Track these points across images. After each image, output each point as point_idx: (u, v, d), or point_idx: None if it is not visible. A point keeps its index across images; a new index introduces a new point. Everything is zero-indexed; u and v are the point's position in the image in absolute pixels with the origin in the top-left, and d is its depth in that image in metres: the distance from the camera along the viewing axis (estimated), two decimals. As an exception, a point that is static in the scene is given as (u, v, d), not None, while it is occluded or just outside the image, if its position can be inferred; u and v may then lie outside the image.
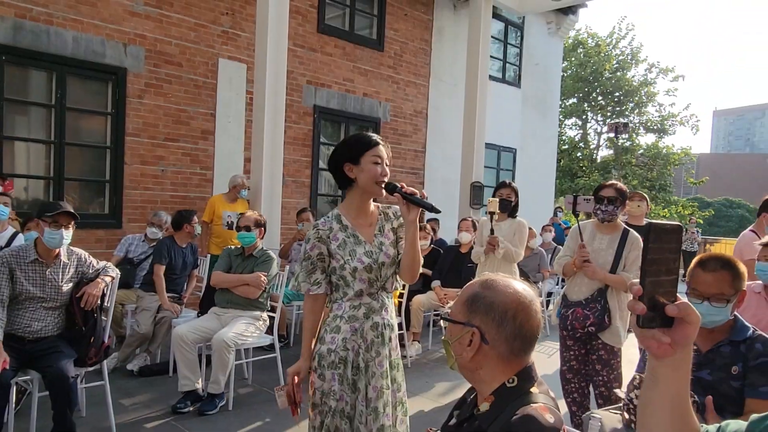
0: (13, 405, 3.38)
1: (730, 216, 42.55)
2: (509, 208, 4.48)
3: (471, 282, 1.42)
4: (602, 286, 3.37)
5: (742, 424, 1.00)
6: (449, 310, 1.41)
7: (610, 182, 3.54)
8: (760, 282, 2.97)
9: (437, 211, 2.14)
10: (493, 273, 1.43)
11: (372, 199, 2.28)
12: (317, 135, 8.27)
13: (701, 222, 22.35)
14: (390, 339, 2.26)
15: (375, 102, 9.00)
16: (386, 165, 2.22)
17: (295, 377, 2.21)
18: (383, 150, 2.21)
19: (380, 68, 9.06)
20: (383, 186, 2.19)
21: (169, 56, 6.66)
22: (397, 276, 2.31)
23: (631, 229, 3.46)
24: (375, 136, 2.24)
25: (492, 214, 4.31)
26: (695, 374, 2.17)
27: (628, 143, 22.52)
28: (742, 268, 2.17)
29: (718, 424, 1.03)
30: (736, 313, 2.21)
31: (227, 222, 5.99)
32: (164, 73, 6.62)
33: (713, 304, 2.11)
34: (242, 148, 7.29)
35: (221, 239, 6.03)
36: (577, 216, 4.07)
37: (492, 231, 4.32)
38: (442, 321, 1.39)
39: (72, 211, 3.24)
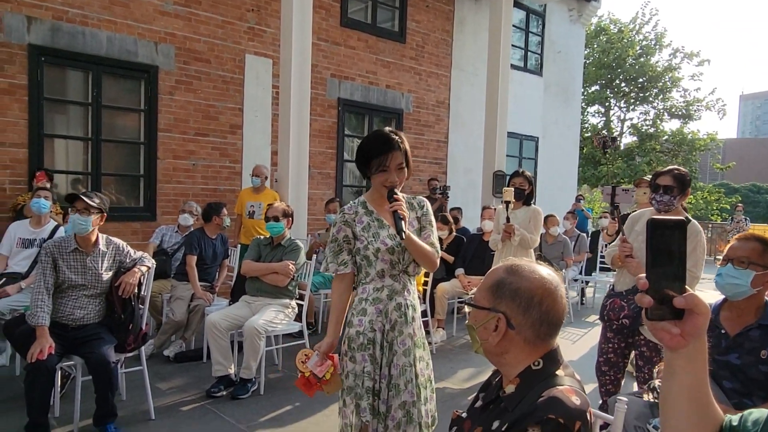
0: (59, 389, 3.60)
1: (758, 201, 41.66)
2: (523, 197, 4.56)
3: (495, 267, 1.41)
4: None
5: (763, 412, 0.99)
6: (473, 296, 1.42)
7: (668, 168, 3.27)
8: None
9: (398, 233, 2.23)
10: (517, 258, 1.42)
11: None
12: (341, 127, 8.41)
13: (728, 207, 22.01)
14: (413, 318, 2.36)
15: (398, 93, 9.10)
16: (398, 170, 2.30)
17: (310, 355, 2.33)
18: (393, 157, 2.28)
19: (402, 60, 9.15)
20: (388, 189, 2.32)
21: (198, 53, 6.85)
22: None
23: (692, 220, 3.18)
24: (387, 140, 2.29)
25: (507, 203, 4.39)
26: (724, 358, 2.20)
27: (652, 129, 22.19)
28: None
29: (740, 414, 1.02)
30: (767, 297, 2.23)
31: (249, 211, 6.20)
32: (193, 70, 6.82)
33: (735, 266, 2.16)
34: (269, 142, 7.48)
35: (246, 228, 6.25)
36: (615, 208, 4.01)
37: (508, 219, 4.42)
38: (466, 306, 1.43)
39: (76, 193, 3.35)
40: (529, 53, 11.65)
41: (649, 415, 2.26)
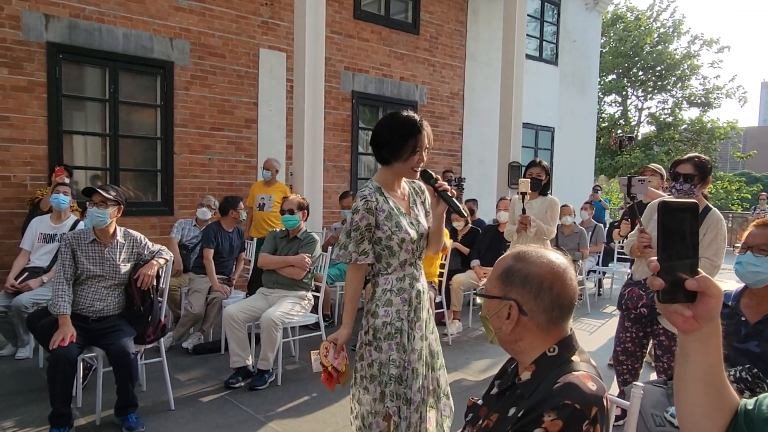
0: (81, 380, 3.68)
1: (781, 191, 40.91)
2: (540, 187, 4.49)
3: (503, 256, 1.41)
4: None
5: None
6: (484, 286, 1.42)
7: (688, 156, 3.21)
8: None
9: (462, 216, 2.34)
10: (524, 245, 1.41)
11: None
12: (356, 120, 8.42)
13: (749, 197, 21.66)
14: (425, 300, 2.42)
15: (411, 85, 9.08)
16: (425, 150, 2.32)
17: (330, 345, 2.35)
18: (423, 137, 2.30)
19: (416, 51, 9.11)
20: (421, 175, 2.34)
21: (213, 48, 6.89)
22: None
23: (713, 208, 3.14)
24: (416, 121, 2.30)
25: (524, 194, 4.32)
26: (743, 346, 2.19)
27: (670, 118, 21.88)
28: None
29: (756, 398, 1.02)
30: None
31: (259, 204, 6.27)
32: (208, 65, 6.86)
33: (755, 253, 2.15)
34: (284, 135, 7.51)
35: (256, 221, 6.31)
36: (632, 198, 3.97)
37: (524, 210, 4.36)
38: (478, 298, 1.44)
39: (93, 187, 3.43)
40: (544, 43, 11.54)
41: (666, 404, 2.25)
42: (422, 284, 2.43)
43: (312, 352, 2.43)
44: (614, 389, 3.66)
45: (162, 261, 3.64)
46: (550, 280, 1.31)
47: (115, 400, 3.35)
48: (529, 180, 4.35)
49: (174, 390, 3.82)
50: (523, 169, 4.61)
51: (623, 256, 7.48)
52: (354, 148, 8.44)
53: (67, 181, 5.22)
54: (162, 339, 3.72)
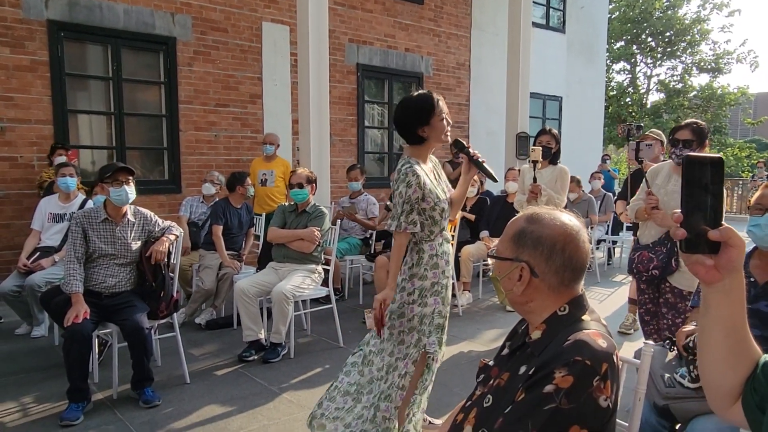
0: (97, 356, 3.74)
1: (792, 157, 40.44)
2: (550, 155, 4.44)
3: (516, 217, 1.40)
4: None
5: None
6: (496, 247, 1.42)
7: (686, 122, 3.35)
8: None
9: (495, 180, 2.68)
10: (537, 207, 1.41)
11: None
12: (361, 93, 8.33)
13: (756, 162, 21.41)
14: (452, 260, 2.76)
15: (417, 57, 8.96)
16: (448, 116, 2.59)
17: (382, 303, 2.55)
18: (444, 104, 2.56)
19: (421, 22, 8.97)
20: (453, 144, 2.64)
21: (215, 23, 6.81)
22: None
23: None
24: (433, 95, 2.56)
25: (535, 163, 4.28)
26: (753, 306, 2.17)
27: (680, 85, 21.54)
28: None
29: None
30: None
31: (261, 179, 6.25)
32: (211, 40, 6.79)
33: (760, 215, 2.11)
34: (289, 110, 7.45)
35: (259, 197, 6.30)
36: (640, 162, 4.04)
37: (534, 179, 4.32)
38: (489, 259, 1.52)
39: (126, 165, 3.48)
40: (551, 10, 11.33)
41: (677, 365, 2.25)
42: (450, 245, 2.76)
43: (366, 311, 2.70)
44: (625, 350, 3.66)
45: (172, 237, 3.65)
46: (562, 242, 1.30)
47: (131, 375, 3.39)
48: (540, 148, 4.29)
49: (188, 364, 3.86)
50: (534, 137, 4.56)
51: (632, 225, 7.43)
52: (360, 122, 8.37)
53: (63, 160, 5.18)
54: (175, 315, 3.74)
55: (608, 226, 8.01)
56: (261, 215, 6.13)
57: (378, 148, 8.88)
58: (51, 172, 5.28)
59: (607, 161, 11.03)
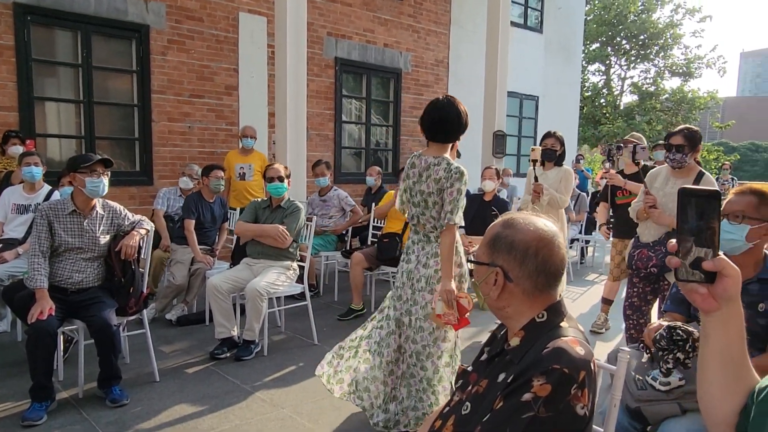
0: (62, 353, 3.61)
1: (756, 160, 41.64)
2: (554, 157, 4.62)
3: (493, 223, 1.43)
4: (670, 230, 3.54)
5: None
6: (475, 253, 1.44)
7: (679, 128, 3.57)
8: None
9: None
10: (515, 213, 1.44)
11: None
12: (339, 88, 8.25)
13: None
14: None
15: (396, 52, 8.91)
16: None
17: (450, 292, 2.76)
18: None
19: (400, 17, 8.92)
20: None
21: (190, 11, 6.65)
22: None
23: (706, 173, 3.52)
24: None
25: (534, 162, 4.45)
26: None
27: (652, 88, 21.93)
28: None
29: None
30: (766, 251, 2.21)
31: (239, 173, 6.13)
32: (186, 29, 6.63)
33: (730, 220, 2.13)
34: (266, 103, 7.33)
35: (236, 191, 6.18)
36: (638, 164, 4.39)
37: (536, 178, 4.46)
38: (469, 264, 1.58)
39: (108, 157, 3.38)
40: (529, 10, 11.38)
41: (649, 367, 2.27)
42: None
43: (435, 296, 2.84)
44: (597, 349, 3.69)
45: (143, 231, 3.55)
46: (535, 246, 1.31)
47: (97, 373, 3.29)
48: (540, 148, 4.50)
49: (158, 362, 3.77)
50: (540, 139, 4.77)
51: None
52: (338, 117, 8.29)
53: (18, 149, 4.99)
54: (144, 311, 3.64)
55: (582, 225, 8.09)
56: (235, 210, 6.03)
57: (355, 143, 8.82)
58: (5, 162, 5.08)
59: (581, 161, 11.14)
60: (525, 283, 1.32)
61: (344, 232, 6.31)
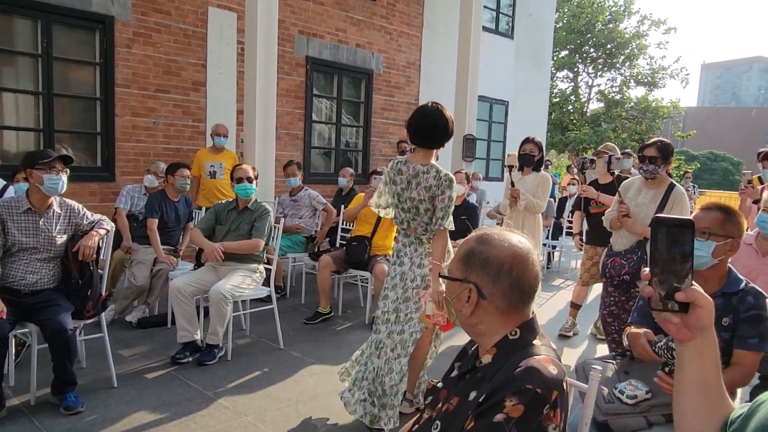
0: (14, 357, 3.45)
1: (714, 169, 43.00)
2: (533, 163, 4.67)
3: (467, 238, 1.41)
4: (642, 239, 3.60)
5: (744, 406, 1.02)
6: (447, 268, 1.42)
7: (652, 140, 3.65)
8: (752, 233, 3.06)
9: None
10: (489, 228, 1.43)
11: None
12: (310, 87, 8.15)
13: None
14: None
15: (368, 53, 8.85)
16: None
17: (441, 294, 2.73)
18: None
19: (373, 18, 8.87)
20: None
21: (157, 4, 6.46)
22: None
23: (677, 185, 3.62)
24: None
25: (510, 167, 4.54)
26: None
27: (618, 96, 22.42)
28: (739, 217, 2.20)
29: (748, 404, 1.04)
30: (730, 265, 2.25)
31: (209, 172, 6.00)
32: (153, 22, 6.44)
33: (697, 237, 2.14)
34: (234, 100, 7.19)
35: (206, 190, 6.04)
36: (612, 174, 4.52)
37: (512, 183, 4.53)
38: (441, 279, 1.56)
39: (68, 154, 3.25)
40: (500, 15, 11.47)
41: (615, 380, 2.29)
42: None
43: (426, 298, 2.89)
44: (565, 356, 3.71)
45: (102, 231, 3.41)
46: (510, 263, 1.30)
47: (51, 379, 3.15)
48: (515, 154, 4.59)
49: (117, 366, 3.63)
50: (519, 145, 4.81)
51: (572, 231, 7.61)
52: (308, 116, 8.18)
53: None
54: (103, 313, 3.50)
55: (548, 230, 8.18)
56: (201, 209, 5.88)
57: (325, 143, 8.73)
58: None
59: (549, 166, 11.30)
60: (499, 301, 1.30)
61: (314, 234, 6.21)
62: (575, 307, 5.11)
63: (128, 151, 6.39)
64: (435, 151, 3.08)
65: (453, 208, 3.03)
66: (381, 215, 3.32)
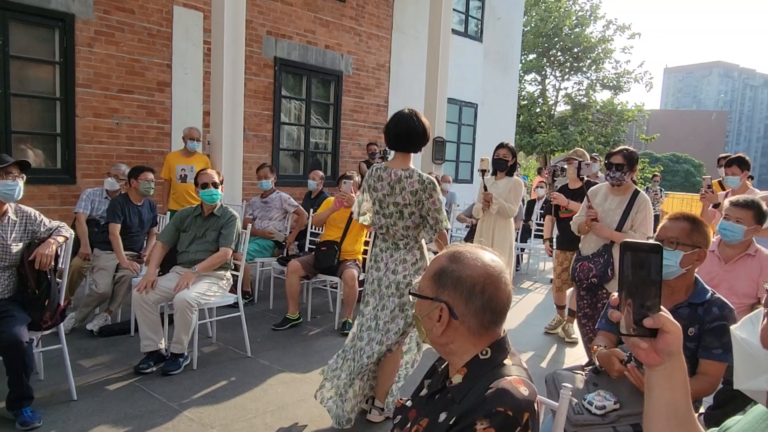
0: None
1: (677, 171, 44.15)
2: (506, 167, 4.72)
3: (439, 254, 1.38)
4: (608, 243, 3.69)
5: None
6: (417, 285, 1.38)
7: (619, 149, 3.76)
8: (714, 240, 3.12)
9: None
10: (461, 244, 1.40)
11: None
12: (278, 88, 8.06)
13: (650, 176, 23.11)
14: None
15: (337, 55, 8.80)
16: None
17: None
18: None
19: (342, 20, 8.82)
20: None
21: (120, 2, 6.30)
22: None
23: (641, 191, 3.74)
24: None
25: (483, 172, 4.57)
26: None
27: (585, 99, 22.81)
28: (706, 227, 2.24)
29: (715, 429, 1.06)
30: (697, 276, 2.27)
31: (180, 175, 5.87)
32: (115, 20, 6.27)
33: (665, 246, 2.17)
34: (201, 101, 7.05)
35: (178, 194, 5.92)
36: (582, 179, 4.62)
37: (485, 188, 4.57)
38: (411, 296, 1.52)
39: (26, 159, 3.13)
40: (469, 18, 11.54)
41: (585, 391, 2.29)
42: None
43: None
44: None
45: (60, 239, 3.28)
46: (482, 283, 1.27)
47: (6, 393, 3.00)
48: (488, 159, 4.61)
49: (76, 378, 3.50)
50: (493, 150, 4.85)
51: (541, 234, 7.70)
52: (276, 118, 8.09)
53: None
54: (61, 324, 3.37)
55: (518, 232, 8.25)
56: (166, 215, 5.75)
57: (294, 144, 8.64)
58: None
59: (518, 168, 11.42)
60: (470, 321, 1.28)
61: (284, 239, 6.11)
62: (560, 308, 5.23)
63: (89, 153, 6.21)
64: (412, 155, 3.12)
65: (444, 208, 3.09)
66: (360, 221, 3.31)
